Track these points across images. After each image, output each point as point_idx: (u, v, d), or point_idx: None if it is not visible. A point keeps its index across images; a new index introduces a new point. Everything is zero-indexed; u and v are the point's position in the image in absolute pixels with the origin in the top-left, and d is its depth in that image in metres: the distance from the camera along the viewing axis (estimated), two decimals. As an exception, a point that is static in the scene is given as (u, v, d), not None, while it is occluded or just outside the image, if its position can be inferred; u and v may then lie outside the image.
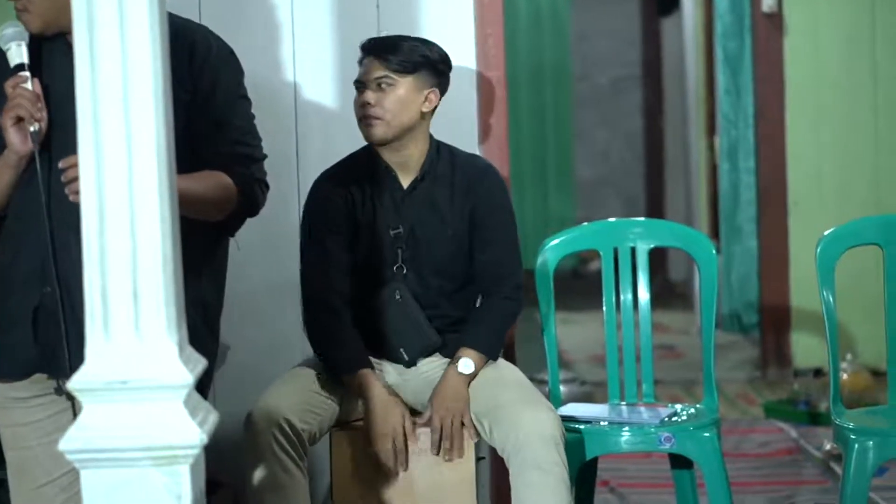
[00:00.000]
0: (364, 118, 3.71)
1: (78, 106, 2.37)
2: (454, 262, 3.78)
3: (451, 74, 3.82)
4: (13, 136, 3.09)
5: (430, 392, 3.70)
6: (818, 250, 4.01)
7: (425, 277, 3.76)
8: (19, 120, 3.08)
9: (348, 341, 3.70)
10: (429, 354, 3.78)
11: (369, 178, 3.77)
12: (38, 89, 3.10)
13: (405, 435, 3.62)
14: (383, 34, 3.90)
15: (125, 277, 2.35)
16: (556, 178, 11.35)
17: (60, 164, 2.99)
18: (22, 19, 3.13)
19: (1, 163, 3.16)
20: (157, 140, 2.35)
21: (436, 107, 3.78)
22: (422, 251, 3.75)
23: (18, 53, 3.11)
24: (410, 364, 3.77)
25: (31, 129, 3.06)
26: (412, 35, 3.88)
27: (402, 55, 3.69)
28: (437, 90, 3.75)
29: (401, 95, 3.69)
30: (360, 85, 3.73)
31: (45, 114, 3.09)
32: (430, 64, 3.72)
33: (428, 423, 3.66)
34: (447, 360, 3.74)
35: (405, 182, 3.77)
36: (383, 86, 3.69)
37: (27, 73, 3.10)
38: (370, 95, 3.69)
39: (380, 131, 3.71)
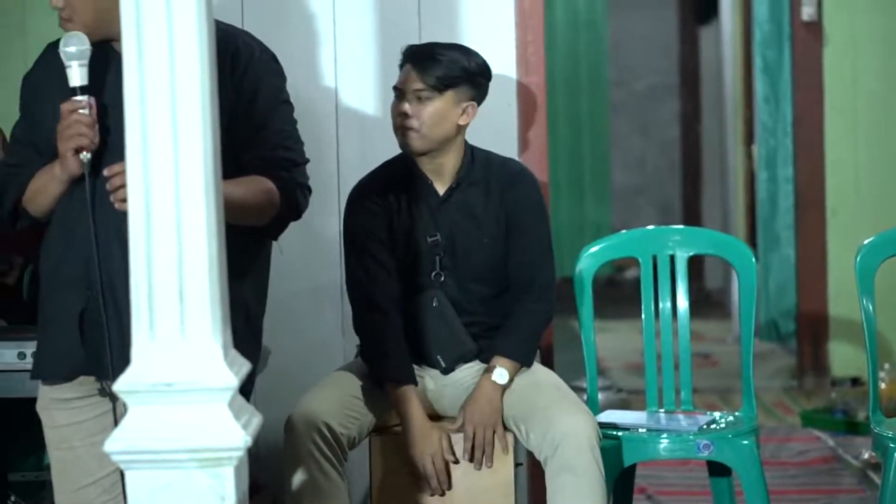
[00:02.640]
0: (400, 128, 3.71)
1: (126, 111, 2.39)
2: (493, 268, 3.78)
3: (492, 80, 3.82)
4: (71, 161, 3.10)
5: (465, 397, 3.71)
6: (857, 259, 4.00)
7: (465, 284, 3.76)
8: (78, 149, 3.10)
9: (397, 353, 3.69)
10: (466, 361, 3.79)
11: (405, 186, 3.77)
12: (95, 113, 3.09)
13: (444, 458, 3.63)
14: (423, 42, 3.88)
15: (171, 280, 2.37)
16: (592, 185, 11.34)
17: (105, 173, 3.01)
18: (66, 28, 3.14)
19: (50, 176, 3.18)
20: (203, 145, 2.38)
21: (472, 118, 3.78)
22: (460, 258, 3.76)
23: (81, 75, 3.08)
24: (447, 371, 3.78)
25: (85, 158, 3.08)
26: (453, 42, 3.88)
27: (442, 70, 3.66)
28: (475, 103, 3.73)
29: (438, 110, 3.68)
30: (399, 92, 3.72)
31: (98, 138, 3.10)
32: (469, 77, 3.70)
33: (461, 430, 3.67)
34: (482, 365, 3.75)
35: (441, 189, 3.78)
36: (422, 98, 3.67)
37: (85, 98, 3.08)
38: (408, 106, 3.68)
39: (416, 143, 3.70)
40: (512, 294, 3.79)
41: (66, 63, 3.09)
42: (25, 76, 3.33)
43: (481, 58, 3.77)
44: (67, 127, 3.07)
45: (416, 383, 3.69)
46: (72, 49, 3.08)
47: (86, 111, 3.07)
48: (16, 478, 4.09)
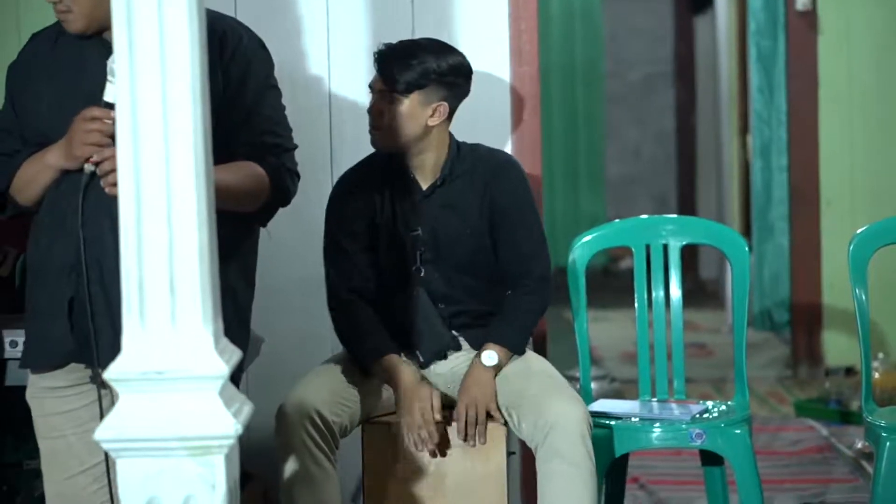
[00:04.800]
0: (370, 126, 3.73)
1: (117, 98, 2.38)
2: (477, 259, 3.78)
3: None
4: (75, 162, 3.08)
5: (458, 386, 3.72)
6: (850, 248, 4.00)
7: (449, 276, 3.77)
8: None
9: (370, 331, 3.72)
10: (443, 357, 3.80)
11: (388, 181, 3.78)
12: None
13: (434, 417, 3.63)
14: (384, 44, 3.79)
15: (162, 269, 2.36)
16: (586, 175, 11.34)
17: (95, 158, 3.02)
18: (64, 19, 3.13)
19: (41, 165, 3.18)
20: (194, 133, 2.37)
21: (450, 116, 3.75)
22: (442, 251, 3.76)
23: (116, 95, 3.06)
24: (425, 365, 3.79)
25: (89, 169, 3.06)
26: (437, 36, 3.87)
27: (405, 75, 3.66)
28: (445, 103, 3.72)
29: (403, 112, 3.68)
30: (371, 91, 3.75)
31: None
32: (437, 79, 3.69)
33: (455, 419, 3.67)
34: (475, 352, 3.75)
35: (424, 184, 3.78)
36: (387, 99, 3.68)
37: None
38: (374, 106, 3.71)
39: (381, 142, 3.73)
40: (507, 285, 3.79)
41: (110, 78, 3.02)
42: (11, 65, 3.32)
43: (457, 57, 3.74)
44: (89, 132, 3.04)
45: (397, 352, 3.71)
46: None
47: (111, 122, 3.04)
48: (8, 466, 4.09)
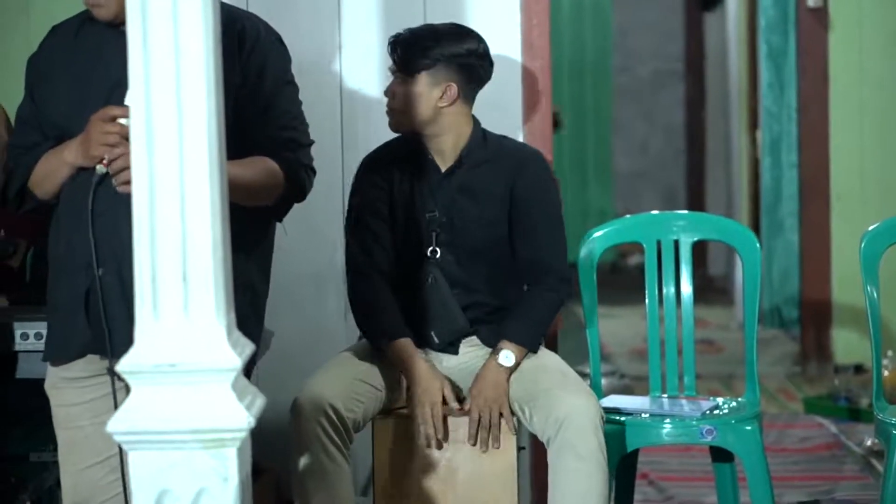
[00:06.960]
0: (386, 107, 3.79)
1: (130, 91, 2.38)
2: (492, 247, 3.78)
3: (496, 64, 3.81)
4: (89, 161, 3.09)
5: (470, 381, 3.71)
6: (862, 246, 3.99)
7: (462, 261, 3.77)
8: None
9: (386, 310, 3.72)
10: (458, 339, 3.79)
11: (409, 162, 3.81)
12: None
13: (452, 406, 3.64)
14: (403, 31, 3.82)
15: (175, 261, 2.36)
16: (595, 170, 11.34)
17: (107, 157, 3.01)
18: (95, 3, 3.12)
19: (59, 161, 3.18)
20: (208, 126, 2.37)
21: (466, 99, 3.76)
22: (458, 235, 3.76)
23: None
24: (440, 347, 3.78)
25: (101, 170, 3.06)
26: (454, 22, 3.87)
27: (411, 56, 3.71)
28: (454, 84, 3.73)
29: (412, 92, 3.71)
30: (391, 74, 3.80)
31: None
32: (445, 60, 3.71)
33: (468, 413, 3.67)
34: (487, 349, 3.75)
35: (443, 167, 3.79)
36: (398, 81, 3.74)
37: None
38: (391, 88, 3.77)
39: (393, 123, 3.79)
40: (526, 280, 3.80)
41: None
42: (31, 57, 3.32)
43: (474, 41, 3.76)
44: (107, 134, 3.04)
45: (410, 336, 3.71)
46: None
47: (127, 122, 3.03)
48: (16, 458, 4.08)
